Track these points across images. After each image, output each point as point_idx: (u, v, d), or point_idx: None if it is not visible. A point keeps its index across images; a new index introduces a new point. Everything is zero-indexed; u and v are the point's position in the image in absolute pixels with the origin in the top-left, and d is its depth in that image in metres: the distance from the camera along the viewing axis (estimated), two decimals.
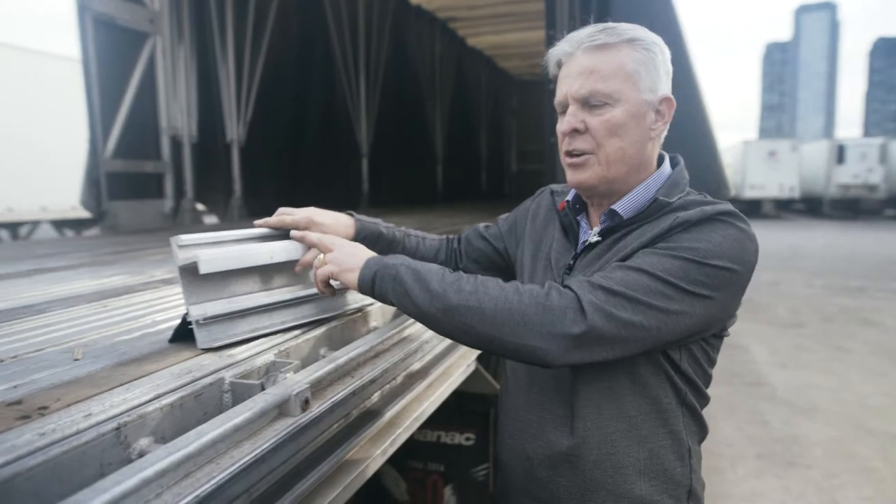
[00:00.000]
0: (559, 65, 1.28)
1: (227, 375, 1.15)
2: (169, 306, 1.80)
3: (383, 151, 9.31)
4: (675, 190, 1.25)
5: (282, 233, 1.48)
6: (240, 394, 1.14)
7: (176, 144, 5.84)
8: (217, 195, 6.53)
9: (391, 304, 1.22)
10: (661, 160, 1.31)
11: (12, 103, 11.43)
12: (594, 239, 1.27)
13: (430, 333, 1.75)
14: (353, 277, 1.25)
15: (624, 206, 1.25)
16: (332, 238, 1.37)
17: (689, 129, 3.90)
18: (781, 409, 5.14)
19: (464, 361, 2.05)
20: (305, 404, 1.13)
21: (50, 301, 1.89)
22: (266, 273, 1.46)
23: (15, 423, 0.91)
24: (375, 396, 1.43)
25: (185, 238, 1.30)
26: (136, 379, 1.11)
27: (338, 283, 1.30)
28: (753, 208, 26.74)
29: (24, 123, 11.59)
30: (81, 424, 0.91)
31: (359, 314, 1.67)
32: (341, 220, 1.52)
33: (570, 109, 1.22)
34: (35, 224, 13.46)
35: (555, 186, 1.52)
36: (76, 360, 1.24)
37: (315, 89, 8.09)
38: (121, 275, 2.45)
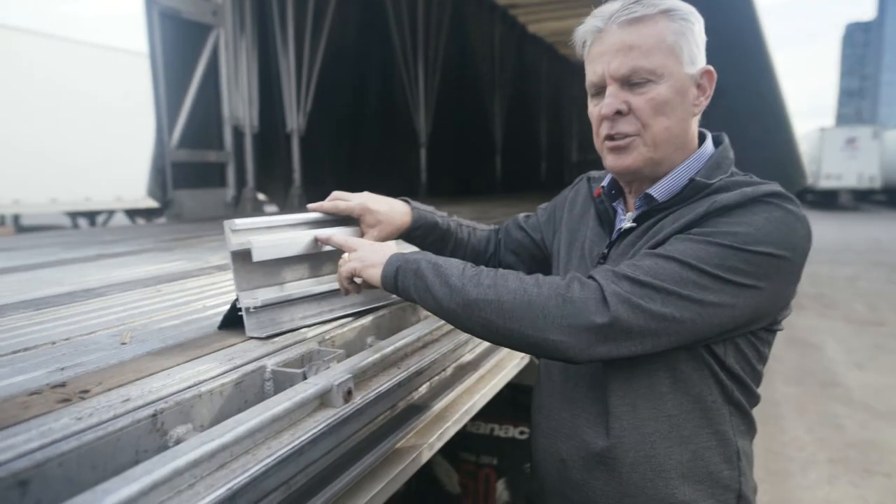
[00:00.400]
0: (589, 43, 1.18)
1: (270, 363, 1.12)
2: (220, 292, 1.80)
3: (442, 141, 9.27)
4: (716, 171, 1.14)
5: (335, 218, 1.43)
6: (281, 382, 1.11)
7: (238, 135, 5.96)
8: (277, 184, 6.64)
9: (413, 300, 1.16)
10: (702, 139, 1.21)
11: (91, 99, 11.95)
12: (628, 225, 1.19)
13: None
14: (375, 273, 1.19)
15: (660, 189, 1.16)
16: (359, 240, 1.32)
17: (765, 118, 3.68)
18: (857, 412, 4.84)
19: (517, 354, 1.98)
20: (348, 395, 1.09)
21: (109, 285, 1.93)
22: (317, 260, 1.42)
23: (55, 407, 0.90)
24: (423, 388, 1.38)
25: (239, 223, 1.27)
26: (178, 364, 1.09)
27: (361, 280, 1.24)
28: (829, 199, 25.42)
29: (100, 118, 12.10)
30: (119, 409, 0.89)
31: (408, 304, 1.62)
32: (396, 208, 1.46)
33: (609, 90, 1.12)
34: (111, 213, 14.11)
35: (593, 173, 1.42)
36: (123, 343, 1.24)
37: (374, 78, 8.12)
38: (178, 261, 2.49)
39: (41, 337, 1.32)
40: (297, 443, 0.94)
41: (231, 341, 1.24)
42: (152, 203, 6.61)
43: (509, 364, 1.90)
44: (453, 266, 1.11)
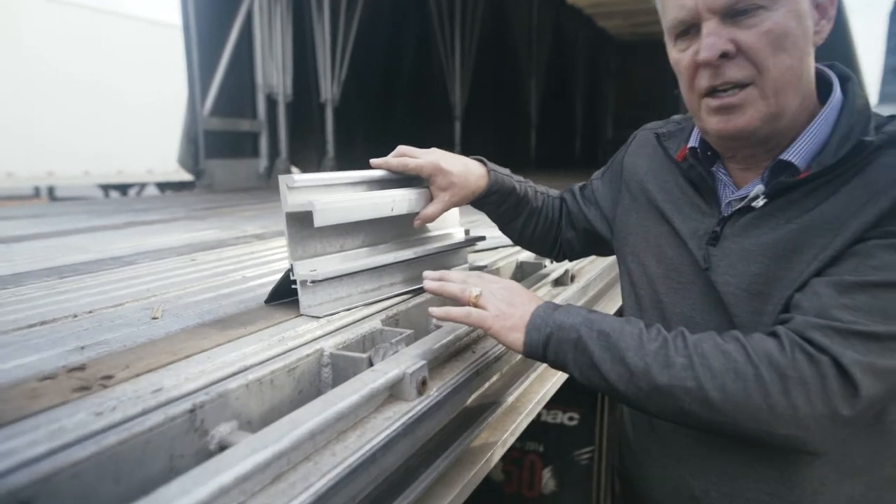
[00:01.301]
0: None
1: (328, 346, 0.93)
2: (261, 261, 1.62)
3: (476, 114, 9.01)
4: (865, 122, 0.88)
5: (401, 178, 1.23)
6: (342, 369, 0.92)
7: (271, 103, 5.77)
8: (310, 155, 6.46)
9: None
10: (819, 79, 0.94)
11: (123, 71, 11.89)
12: (761, 202, 0.92)
13: (556, 299, 1.48)
14: (516, 339, 0.93)
15: (800, 154, 0.89)
16: (479, 278, 1.03)
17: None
18: None
19: None
20: (423, 386, 0.89)
21: (138, 253, 1.76)
22: (381, 226, 1.23)
23: (70, 397, 0.72)
24: (496, 376, 1.18)
25: (298, 179, 1.06)
26: (218, 345, 0.90)
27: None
28: None
29: (133, 90, 12.06)
30: (149, 402, 0.71)
31: None
32: (472, 169, 1.24)
33: (706, 27, 0.87)
34: (142, 186, 14.14)
35: (656, 127, 1.16)
36: (154, 318, 1.06)
37: (409, 50, 7.88)
38: (212, 229, 2.32)
39: (62, 309, 1.15)
40: (368, 447, 0.75)
41: (278, 318, 1.05)
42: (183, 176, 6.48)
43: None
44: (625, 335, 0.87)
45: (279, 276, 1.16)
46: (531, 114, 11.09)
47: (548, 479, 3.05)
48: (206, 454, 0.72)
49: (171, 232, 2.26)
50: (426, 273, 1.04)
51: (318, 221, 1.00)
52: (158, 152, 12.53)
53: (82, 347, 0.91)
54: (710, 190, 1.01)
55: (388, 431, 0.78)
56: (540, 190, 1.35)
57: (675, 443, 1.03)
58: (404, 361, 0.89)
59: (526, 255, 1.74)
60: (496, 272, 1.52)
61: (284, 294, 1.12)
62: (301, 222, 1.05)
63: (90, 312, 1.12)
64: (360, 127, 6.88)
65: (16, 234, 2.26)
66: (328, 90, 6.44)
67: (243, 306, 1.14)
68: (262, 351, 0.88)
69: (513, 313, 0.94)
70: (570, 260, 1.43)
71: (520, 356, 1.28)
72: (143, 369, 0.81)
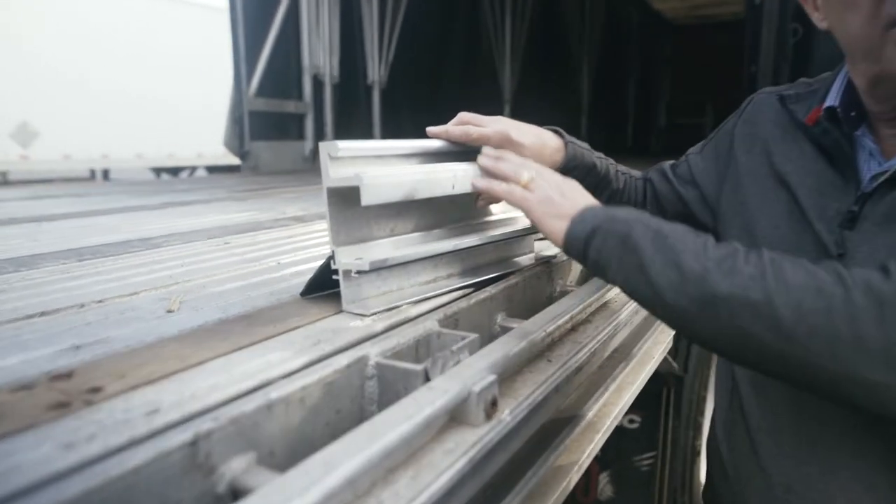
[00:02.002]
0: None
1: (374, 353, 0.74)
2: (298, 246, 1.45)
3: (526, 99, 8.73)
4: None
5: (463, 149, 1.04)
6: (391, 382, 0.73)
7: (317, 85, 5.64)
8: (356, 137, 6.31)
9: (608, 279, 0.76)
10: None
11: (173, 56, 12.01)
12: None
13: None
14: (558, 228, 0.80)
15: None
16: (538, 165, 0.90)
17: None
18: None
19: (664, 337, 1.55)
20: (492, 407, 0.70)
21: (170, 234, 1.61)
22: (439, 207, 1.03)
23: (42, 418, 0.55)
24: (573, 389, 0.98)
25: (344, 147, 0.87)
26: (239, 349, 0.73)
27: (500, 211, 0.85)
28: None
29: (183, 75, 12.17)
30: (139, 429, 0.53)
31: (543, 267, 1.21)
32: (547, 141, 1.04)
33: None
34: (193, 169, 14.32)
35: (778, 90, 0.95)
36: (169, 311, 0.90)
37: (459, 32, 7.65)
38: (250, 211, 2.17)
39: (70, 297, 0.99)
40: (425, 496, 0.56)
41: (315, 314, 0.87)
42: (232, 160, 6.44)
43: (657, 351, 1.48)
44: (688, 239, 0.69)
45: (317, 263, 0.98)
46: (582, 99, 10.73)
47: (604, 485, 2.85)
48: (212, 500, 0.54)
49: (208, 213, 2.12)
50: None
51: (367, 199, 0.81)
52: (208, 136, 12.64)
53: (77, 347, 0.75)
54: (847, 159, 0.80)
55: (450, 472, 0.59)
56: (621, 169, 1.15)
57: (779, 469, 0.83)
58: (469, 375, 0.70)
59: None
60: (566, 264, 1.32)
61: (324, 286, 0.93)
62: (345, 200, 0.86)
63: (100, 302, 0.96)
64: (408, 110, 6.70)
65: (52, 212, 2.16)
66: (375, 72, 6.28)
67: (274, 298, 0.96)
68: (292, 358, 0.70)
69: (562, 203, 0.82)
70: None
71: (593, 364, 1.07)
72: (141, 380, 0.63)
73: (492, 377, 0.71)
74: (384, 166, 0.91)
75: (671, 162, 1.12)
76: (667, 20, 14.06)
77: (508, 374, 0.81)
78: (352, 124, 6.18)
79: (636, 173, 1.16)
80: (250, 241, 1.51)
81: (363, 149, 0.89)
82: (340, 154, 0.84)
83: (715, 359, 3.18)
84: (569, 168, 1.04)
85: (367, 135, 6.33)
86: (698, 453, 2.92)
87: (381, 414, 0.61)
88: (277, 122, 5.32)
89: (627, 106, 13.41)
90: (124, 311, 0.89)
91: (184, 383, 0.62)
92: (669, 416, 2.68)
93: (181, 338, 0.78)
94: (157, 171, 13.92)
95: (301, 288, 0.98)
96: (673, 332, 1.63)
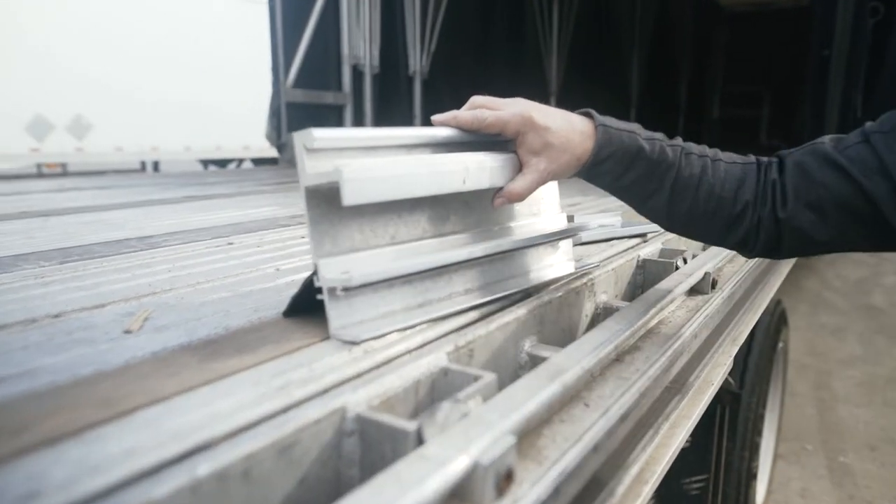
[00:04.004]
0: None
1: (356, 400, 0.57)
2: (306, 249, 1.30)
3: (573, 90, 8.45)
4: None
5: (477, 139, 0.86)
6: (376, 443, 0.56)
7: (357, 75, 5.51)
8: None
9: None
10: None
11: (222, 48, 12.14)
12: None
13: (695, 318, 1.06)
14: None
15: None
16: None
17: None
18: None
19: (724, 359, 1.35)
20: (506, 480, 0.52)
21: (174, 233, 1.48)
22: (449, 207, 0.86)
23: None
24: (620, 433, 0.80)
25: (322, 136, 0.70)
26: (187, 390, 0.57)
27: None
28: None
29: (232, 69, 12.31)
30: None
31: (581, 279, 1.03)
32: (576, 125, 0.86)
33: None
34: (240, 161, 14.48)
35: None
36: (128, 332, 0.75)
37: (504, 20, 7.42)
38: (269, 206, 2.04)
39: (26, 309, 0.86)
40: None
41: (295, 341, 0.71)
42: (276, 152, 6.40)
43: (719, 373, 1.27)
44: None
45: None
46: (631, 91, 10.37)
47: None
48: None
49: (225, 208, 1.99)
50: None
51: (349, 198, 0.64)
52: (254, 128, 12.76)
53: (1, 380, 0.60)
54: None
55: None
56: (696, 151, 0.92)
57: None
58: (477, 436, 0.53)
59: (650, 251, 1.33)
60: (611, 274, 1.13)
61: (311, 304, 0.77)
62: (329, 202, 0.70)
63: (56, 316, 0.82)
64: (450, 101, 6.45)
65: (66, 206, 2.07)
66: (417, 62, 6.11)
67: (256, 317, 0.81)
68: (247, 407, 0.54)
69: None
70: (781, 257, 0.96)
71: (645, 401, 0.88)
72: (39, 439, 0.48)
73: (508, 440, 0.53)
74: (376, 159, 0.74)
75: (833, 137, 0.86)
76: (721, 7, 13.48)
77: (532, 426, 0.64)
78: (392, 115, 6.04)
79: (732, 157, 0.92)
80: (256, 242, 1.37)
81: (348, 138, 0.72)
82: (318, 145, 0.67)
83: (777, 375, 2.93)
84: (602, 156, 0.85)
85: (408, 125, 6.16)
86: (754, 476, 2.68)
87: (360, 494, 0.44)
88: (316, 114, 5.21)
89: (679, 97, 12.92)
90: (74, 331, 0.75)
91: (91, 447, 0.47)
92: (724, 437, 2.44)
93: (123, 371, 0.62)
94: (205, 163, 14.14)
95: (286, 308, 0.82)
96: (734, 352, 1.42)
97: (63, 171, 11.48)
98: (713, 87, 14.81)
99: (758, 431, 2.55)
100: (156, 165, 13.95)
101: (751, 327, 1.69)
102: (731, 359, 1.40)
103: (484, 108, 0.86)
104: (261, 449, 0.48)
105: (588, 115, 0.89)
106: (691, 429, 1.11)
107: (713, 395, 1.25)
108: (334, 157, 0.70)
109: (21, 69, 9.74)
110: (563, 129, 0.85)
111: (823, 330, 4.71)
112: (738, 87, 13.60)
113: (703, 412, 1.17)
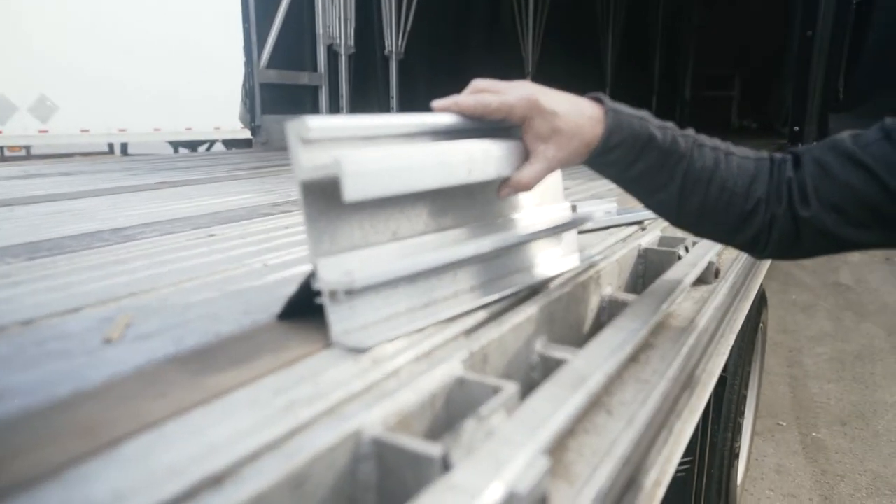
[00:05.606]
0: None
1: (371, 421, 0.52)
2: (292, 241, 1.23)
3: (549, 71, 8.39)
4: None
5: (480, 126, 0.80)
6: (395, 468, 0.51)
7: (332, 55, 5.38)
8: (372, 110, 6.07)
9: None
10: None
11: (192, 27, 11.82)
12: None
13: (704, 309, 1.03)
14: None
15: None
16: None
17: None
18: None
19: (724, 348, 1.31)
20: None
21: (149, 223, 1.40)
22: (453, 199, 0.80)
23: None
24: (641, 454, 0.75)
25: (318, 126, 0.63)
26: (173, 416, 0.51)
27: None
28: None
29: (200, 46, 12.01)
30: None
31: (588, 272, 0.98)
32: (585, 110, 0.81)
33: None
34: (211, 143, 14.18)
35: None
36: (108, 341, 0.68)
37: (479, 0, 7.32)
38: (248, 193, 1.95)
39: None
40: None
41: (294, 350, 0.65)
42: (249, 133, 6.25)
43: (720, 363, 1.24)
44: None
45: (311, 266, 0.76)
46: (606, 72, 10.37)
47: None
48: None
49: (201, 196, 1.90)
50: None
51: (351, 193, 0.58)
52: (226, 109, 12.52)
53: None
54: None
55: None
56: (708, 144, 0.87)
57: None
58: (508, 459, 0.47)
59: (650, 240, 1.28)
60: (614, 266, 1.08)
61: (309, 307, 0.71)
62: (327, 197, 0.63)
63: (26, 324, 0.74)
64: (426, 81, 6.42)
65: (32, 194, 1.96)
66: (393, 42, 5.99)
67: (248, 320, 0.74)
68: (249, 434, 0.48)
69: None
70: (797, 257, 0.92)
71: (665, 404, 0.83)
72: (12, 479, 0.42)
73: (542, 464, 0.48)
74: (377, 149, 0.68)
75: (852, 133, 0.80)
76: None
77: (558, 440, 0.59)
78: (368, 96, 5.93)
79: (744, 152, 0.87)
80: (239, 233, 1.29)
81: (345, 127, 0.65)
82: (314, 135, 0.61)
83: (756, 355, 2.94)
84: (612, 142, 0.80)
85: (385, 107, 6.07)
86: (737, 456, 2.69)
87: None
88: (290, 95, 5.08)
89: (653, 78, 12.94)
90: (47, 341, 0.68)
91: (73, 490, 0.40)
92: (708, 420, 2.45)
93: (105, 390, 0.56)
94: (175, 144, 13.82)
95: (281, 310, 0.76)
96: (733, 340, 1.39)
97: (27, 154, 11.14)
98: (687, 67, 14.86)
99: (741, 412, 2.56)
100: (124, 148, 13.60)
101: (745, 314, 1.67)
102: (730, 347, 1.37)
103: (486, 93, 0.80)
104: (272, 487, 0.43)
105: (597, 99, 0.84)
106: (696, 422, 1.08)
107: (715, 385, 1.22)
108: (331, 147, 0.64)
109: None
110: (571, 113, 0.79)
111: (794, 307, 4.77)
112: (711, 67, 13.67)
113: (706, 404, 1.14)
